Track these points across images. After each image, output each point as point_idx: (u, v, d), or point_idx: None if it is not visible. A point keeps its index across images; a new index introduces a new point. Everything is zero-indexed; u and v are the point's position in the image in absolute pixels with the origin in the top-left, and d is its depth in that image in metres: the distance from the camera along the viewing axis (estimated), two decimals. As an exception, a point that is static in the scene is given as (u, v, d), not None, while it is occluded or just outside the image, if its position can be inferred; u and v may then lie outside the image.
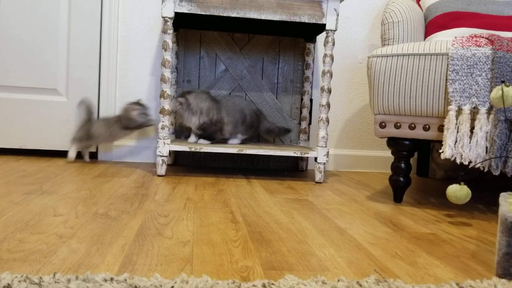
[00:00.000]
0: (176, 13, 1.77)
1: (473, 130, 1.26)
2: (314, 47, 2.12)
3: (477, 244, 1.04)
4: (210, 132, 1.91)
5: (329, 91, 1.81)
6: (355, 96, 2.30)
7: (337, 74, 2.27)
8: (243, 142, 2.01)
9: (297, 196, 1.51)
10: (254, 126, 1.96)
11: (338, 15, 1.76)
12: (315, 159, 1.84)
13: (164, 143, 1.76)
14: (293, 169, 2.21)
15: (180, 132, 2.15)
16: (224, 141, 1.99)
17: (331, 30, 1.78)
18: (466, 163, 1.27)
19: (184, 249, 0.88)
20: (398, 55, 1.39)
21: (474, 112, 1.28)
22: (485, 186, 2.01)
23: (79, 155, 2.08)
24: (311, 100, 2.17)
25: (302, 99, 2.16)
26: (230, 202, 1.35)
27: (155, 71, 2.16)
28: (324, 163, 1.83)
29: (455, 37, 1.35)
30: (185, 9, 1.71)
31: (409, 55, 1.37)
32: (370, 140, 2.33)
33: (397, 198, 1.49)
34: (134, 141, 2.15)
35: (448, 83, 1.30)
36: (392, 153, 1.48)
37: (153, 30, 2.14)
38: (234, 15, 1.72)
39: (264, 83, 2.17)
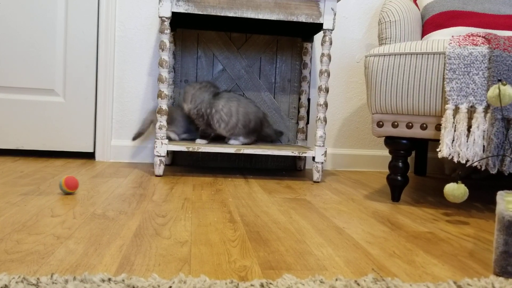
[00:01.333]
0: (173, 13, 1.77)
1: (470, 129, 1.27)
2: (311, 47, 2.12)
3: (475, 243, 1.05)
4: (199, 125, 1.93)
5: (327, 90, 1.81)
6: (353, 95, 2.30)
7: (334, 74, 2.27)
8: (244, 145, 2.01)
9: (295, 195, 1.52)
10: (256, 132, 1.96)
11: (335, 14, 1.76)
12: (313, 158, 1.84)
13: (162, 143, 1.76)
14: (291, 169, 2.21)
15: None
16: (223, 141, 1.99)
17: (328, 30, 1.78)
18: (464, 161, 1.27)
19: (182, 249, 0.88)
20: (395, 54, 1.39)
21: (471, 111, 1.28)
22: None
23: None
24: (308, 100, 2.17)
25: (299, 99, 2.16)
26: (228, 202, 1.35)
27: (152, 71, 2.16)
28: (322, 163, 1.84)
29: (452, 36, 1.35)
30: (182, 9, 1.70)
31: (406, 54, 1.37)
32: (367, 139, 2.33)
33: (395, 197, 1.49)
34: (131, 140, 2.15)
35: (445, 82, 1.30)
36: (390, 152, 1.48)
37: (150, 30, 2.14)
38: (231, 14, 1.72)
39: (261, 83, 2.17)
